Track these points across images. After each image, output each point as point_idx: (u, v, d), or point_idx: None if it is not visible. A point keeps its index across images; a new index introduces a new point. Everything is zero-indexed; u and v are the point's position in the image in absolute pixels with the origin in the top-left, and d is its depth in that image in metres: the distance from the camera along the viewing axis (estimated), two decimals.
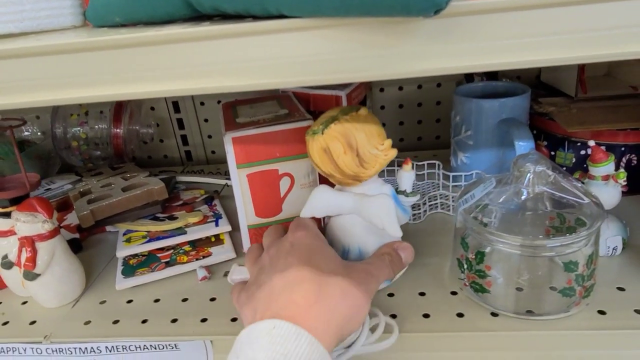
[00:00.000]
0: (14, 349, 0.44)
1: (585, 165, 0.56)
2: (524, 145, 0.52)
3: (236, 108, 0.56)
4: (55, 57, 0.30)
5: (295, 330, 0.30)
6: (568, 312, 0.39)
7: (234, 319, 0.44)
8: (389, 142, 0.40)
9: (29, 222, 0.45)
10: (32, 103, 0.32)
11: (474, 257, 0.40)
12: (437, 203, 0.58)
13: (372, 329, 0.37)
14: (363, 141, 0.39)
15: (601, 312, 0.39)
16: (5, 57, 0.30)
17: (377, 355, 0.40)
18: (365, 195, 0.41)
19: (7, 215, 0.46)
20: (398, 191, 0.44)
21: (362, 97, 0.65)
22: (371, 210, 0.40)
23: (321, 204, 0.43)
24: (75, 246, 0.58)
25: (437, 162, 0.63)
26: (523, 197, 0.38)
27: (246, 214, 0.50)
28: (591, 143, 0.45)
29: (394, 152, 0.40)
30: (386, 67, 0.29)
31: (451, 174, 0.60)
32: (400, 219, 0.42)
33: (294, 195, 0.51)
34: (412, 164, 0.44)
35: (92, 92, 0.31)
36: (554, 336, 0.39)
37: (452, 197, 0.57)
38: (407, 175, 0.44)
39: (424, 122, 0.77)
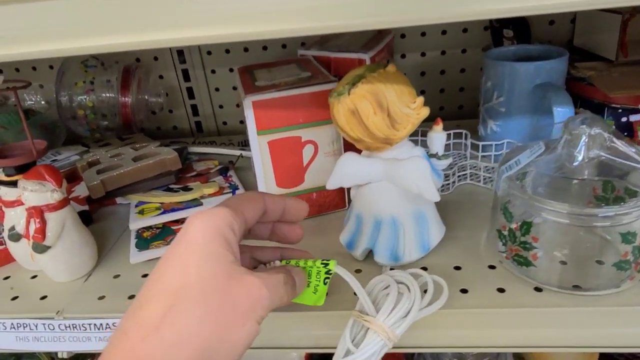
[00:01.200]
0: (25, 325, 0.42)
1: (626, 133, 0.52)
2: (562, 111, 0.48)
3: (253, 72, 0.52)
4: (58, 3, 0.27)
5: None
6: (619, 288, 0.36)
7: None
8: (420, 99, 0.37)
9: (37, 191, 0.42)
10: (35, 54, 0.28)
11: (518, 227, 0.37)
12: (466, 174, 0.55)
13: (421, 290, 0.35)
14: (394, 99, 0.36)
15: None
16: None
17: (411, 331, 0.38)
18: (396, 159, 0.38)
19: (14, 184, 0.43)
20: (429, 154, 0.41)
21: (386, 63, 0.62)
22: (405, 174, 0.37)
23: (349, 171, 0.40)
24: (85, 219, 0.55)
25: (464, 131, 0.60)
26: (576, 163, 0.35)
27: (266, 184, 0.47)
28: None
29: (426, 111, 0.37)
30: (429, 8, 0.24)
31: (481, 144, 0.56)
32: (434, 184, 0.39)
33: (317, 164, 0.48)
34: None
35: (96, 41, 0.28)
36: (603, 313, 0.36)
37: (484, 168, 0.53)
38: (438, 137, 0.41)
39: (446, 90, 0.73)
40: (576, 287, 0.37)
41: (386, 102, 0.36)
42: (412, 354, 0.64)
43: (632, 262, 0.35)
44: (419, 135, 0.59)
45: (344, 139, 0.48)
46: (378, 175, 0.39)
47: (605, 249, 0.39)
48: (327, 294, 0.32)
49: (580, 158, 0.35)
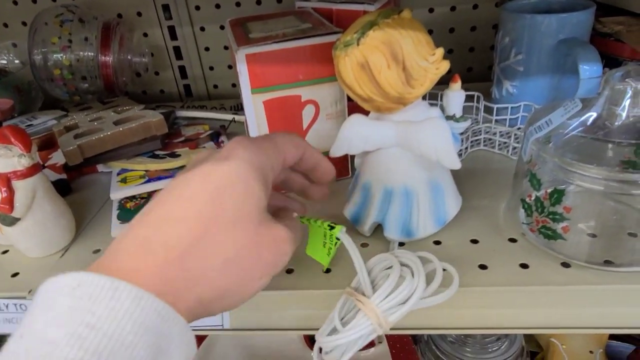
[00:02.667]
0: None
1: None
2: (589, 69, 0.44)
3: (247, 25, 0.47)
4: None
5: (110, 285, 0.20)
6: None
7: None
8: (440, 51, 0.32)
9: (2, 157, 0.37)
10: None
11: (547, 196, 0.33)
12: (479, 139, 0.50)
13: (428, 279, 0.30)
14: (410, 51, 0.31)
15: None
16: None
17: (428, 310, 0.34)
18: (410, 122, 0.33)
19: None
20: (446, 117, 0.36)
21: (400, 8, 0.56)
22: (422, 138, 0.32)
23: (357, 136, 0.35)
24: (63, 188, 0.50)
25: (476, 94, 0.55)
26: (618, 122, 0.30)
27: None
28: None
29: (446, 65, 0.32)
30: None
31: (495, 106, 0.52)
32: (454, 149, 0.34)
33: (318, 127, 0.43)
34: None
35: None
36: (638, 291, 0.32)
37: (499, 132, 0.49)
38: (456, 95, 0.36)
39: (455, 51, 0.68)
40: (608, 262, 0.33)
41: (402, 54, 0.30)
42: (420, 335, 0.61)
43: None
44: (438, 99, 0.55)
45: (348, 98, 0.43)
46: (390, 140, 0.34)
47: (639, 221, 0.35)
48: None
49: (624, 116, 0.30)
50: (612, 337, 0.61)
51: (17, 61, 0.67)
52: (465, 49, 0.67)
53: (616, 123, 0.31)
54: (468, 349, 0.53)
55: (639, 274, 0.32)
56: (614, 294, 0.32)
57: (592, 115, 0.32)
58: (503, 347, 0.52)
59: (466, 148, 0.49)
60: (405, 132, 0.33)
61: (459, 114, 0.36)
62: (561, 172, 0.32)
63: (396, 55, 0.30)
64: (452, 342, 0.54)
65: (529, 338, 0.62)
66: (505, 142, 0.49)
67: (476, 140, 0.50)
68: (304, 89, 0.41)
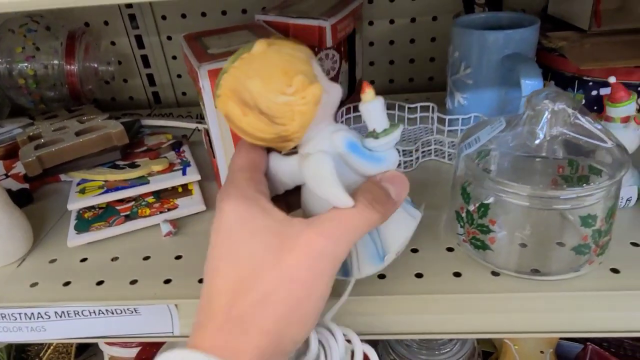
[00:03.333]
0: None
1: (595, 108, 0.50)
2: (531, 83, 0.46)
3: (202, 39, 0.48)
4: None
5: None
6: (578, 272, 0.35)
7: (201, 280, 0.38)
8: (298, 80, 0.26)
9: None
10: None
11: (476, 209, 0.35)
12: (430, 149, 0.52)
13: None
14: (260, 91, 0.26)
15: (614, 271, 0.35)
16: None
17: (365, 318, 0.36)
18: (307, 154, 0.29)
19: None
20: (367, 134, 0.30)
21: (351, 30, 0.58)
22: (306, 177, 0.29)
23: (272, 173, 0.31)
24: (25, 198, 0.51)
25: (431, 105, 0.57)
26: (537, 141, 0.33)
27: (226, 160, 0.44)
28: (612, 79, 0.39)
29: (315, 91, 0.26)
30: None
31: (447, 117, 0.54)
32: (367, 170, 0.29)
33: None
34: (373, 90, 0.28)
35: None
36: (562, 297, 0.34)
37: (448, 143, 0.51)
38: (370, 108, 0.28)
39: (416, 61, 0.70)
40: (535, 271, 0.35)
41: (252, 98, 0.27)
42: (376, 341, 0.62)
43: (591, 246, 0.33)
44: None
45: None
46: (298, 175, 0.30)
47: (567, 230, 0.37)
48: None
49: (542, 136, 0.32)
50: (563, 337, 0.63)
51: None
52: (426, 59, 0.69)
53: (536, 141, 0.33)
54: (422, 352, 0.55)
55: (564, 282, 0.35)
56: (540, 301, 0.35)
57: (515, 133, 0.34)
58: (454, 348, 0.55)
59: (417, 158, 0.51)
60: (301, 168, 0.30)
61: (380, 127, 0.29)
62: (487, 188, 0.34)
63: (246, 101, 0.27)
64: (407, 346, 0.56)
65: (483, 339, 0.65)
66: (455, 153, 0.51)
67: (427, 150, 0.52)
68: None
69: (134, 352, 0.57)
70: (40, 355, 0.63)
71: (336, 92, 0.29)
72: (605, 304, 0.34)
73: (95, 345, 0.73)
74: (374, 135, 0.29)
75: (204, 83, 0.40)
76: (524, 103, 0.43)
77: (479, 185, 0.34)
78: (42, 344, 0.63)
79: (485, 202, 0.34)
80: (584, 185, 0.33)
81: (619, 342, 0.61)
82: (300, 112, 0.27)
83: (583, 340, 0.62)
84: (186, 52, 0.46)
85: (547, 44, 0.53)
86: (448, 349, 0.55)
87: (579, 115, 0.32)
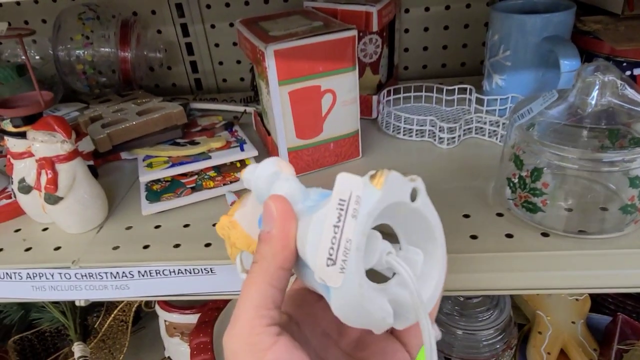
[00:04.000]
0: (41, 275, 0.43)
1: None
2: (569, 64, 0.49)
3: (260, 24, 0.51)
4: None
5: None
6: (623, 231, 0.38)
7: None
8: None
9: (47, 142, 0.42)
10: None
11: (529, 174, 0.38)
12: (471, 127, 0.55)
13: None
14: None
15: None
16: None
17: None
18: None
19: (22, 135, 0.43)
20: None
21: (392, 16, 0.61)
22: None
23: None
24: (92, 174, 0.55)
25: (468, 87, 0.60)
26: (588, 110, 0.36)
27: (286, 136, 0.47)
28: None
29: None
30: None
31: (486, 98, 0.57)
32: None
33: (335, 114, 0.48)
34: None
35: None
36: (608, 255, 0.37)
37: (490, 121, 0.54)
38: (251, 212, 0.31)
39: (449, 47, 0.73)
40: (582, 231, 0.38)
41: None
42: None
43: (637, 205, 0.36)
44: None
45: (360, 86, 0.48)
46: None
47: (610, 197, 0.40)
48: None
49: (592, 105, 0.35)
50: (592, 309, 0.66)
51: (37, 57, 0.71)
52: (459, 45, 0.72)
53: (588, 110, 0.36)
54: (462, 319, 0.58)
55: (608, 240, 0.38)
56: (588, 258, 0.38)
57: (566, 104, 0.37)
58: (492, 317, 0.58)
59: (459, 135, 0.54)
60: None
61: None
62: (540, 154, 0.37)
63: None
64: (447, 314, 0.60)
65: (517, 311, 0.68)
66: (494, 130, 0.54)
67: (468, 128, 0.55)
68: (323, 80, 0.46)
69: (191, 318, 0.61)
70: (96, 326, 0.67)
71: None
72: None
73: (147, 315, 0.77)
74: None
75: (270, 62, 0.44)
76: (566, 80, 0.46)
77: (531, 151, 0.37)
78: (97, 314, 0.67)
79: (539, 167, 0.37)
80: (631, 148, 0.36)
81: None
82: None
83: (613, 311, 0.64)
84: (246, 35, 0.49)
85: (582, 27, 0.56)
86: (486, 317, 0.58)
87: (626, 86, 0.35)
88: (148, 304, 0.69)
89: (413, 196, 0.22)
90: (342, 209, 0.21)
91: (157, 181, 0.50)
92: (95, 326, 0.67)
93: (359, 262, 0.20)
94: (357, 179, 0.21)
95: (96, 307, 0.71)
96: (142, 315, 0.77)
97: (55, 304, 0.64)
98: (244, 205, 0.31)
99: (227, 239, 0.32)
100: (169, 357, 0.66)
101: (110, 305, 0.68)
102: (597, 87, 0.35)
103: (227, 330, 0.22)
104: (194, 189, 0.49)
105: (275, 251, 0.23)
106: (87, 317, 0.66)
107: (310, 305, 0.28)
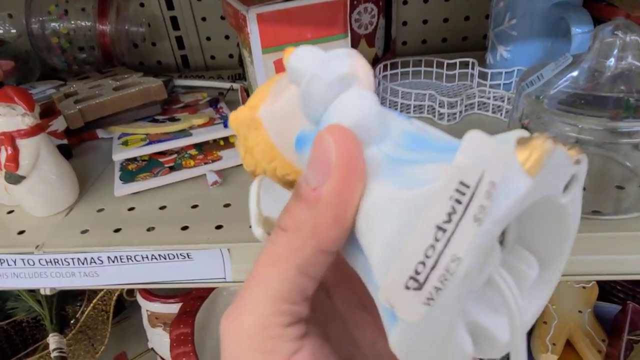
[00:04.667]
0: (2, 261, 0.39)
1: None
2: (581, 32, 0.44)
3: None
4: None
5: None
6: None
7: None
8: None
9: (6, 115, 0.38)
10: None
11: None
12: (474, 103, 0.51)
13: None
14: None
15: None
16: None
17: None
18: None
19: None
20: None
21: None
22: None
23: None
24: (65, 153, 0.51)
25: (470, 60, 0.56)
26: (606, 75, 0.32)
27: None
28: None
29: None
30: None
31: (490, 71, 0.53)
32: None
33: None
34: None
35: None
36: (623, 237, 0.34)
37: (493, 96, 0.50)
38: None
39: (451, 20, 0.68)
40: (596, 212, 0.34)
41: None
42: None
43: None
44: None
45: None
46: None
47: (627, 176, 0.36)
48: None
49: (612, 66, 0.31)
50: (600, 298, 0.63)
51: (13, 31, 0.67)
52: (461, 17, 0.68)
53: (605, 75, 0.32)
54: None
55: (626, 222, 0.34)
56: (599, 242, 0.34)
57: (581, 69, 0.33)
58: None
59: (460, 111, 0.50)
60: None
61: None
62: (550, 124, 0.33)
63: None
64: None
65: None
66: (499, 106, 0.50)
67: (470, 104, 0.51)
68: None
69: (173, 307, 0.57)
70: (77, 315, 0.63)
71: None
72: None
73: (132, 305, 0.74)
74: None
75: (252, 27, 0.40)
76: (578, 48, 0.42)
77: (541, 123, 0.33)
78: (79, 303, 0.64)
79: None
80: None
81: None
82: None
83: (622, 300, 0.61)
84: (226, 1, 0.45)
85: None
86: None
87: None
88: (130, 292, 0.65)
89: (567, 185, 0.14)
90: (459, 201, 0.12)
91: (134, 160, 0.47)
92: (77, 316, 0.64)
93: (461, 296, 0.12)
94: (499, 151, 0.12)
95: (79, 296, 0.68)
96: (127, 304, 0.74)
97: (31, 292, 0.60)
98: (275, 99, 0.20)
99: (241, 139, 0.21)
100: (152, 349, 0.63)
101: (91, 294, 0.65)
102: (617, 47, 0.31)
103: (227, 319, 0.16)
104: (172, 169, 0.45)
105: (320, 224, 0.15)
106: (65, 306, 0.63)
107: (346, 264, 0.18)
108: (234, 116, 0.21)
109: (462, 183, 0.12)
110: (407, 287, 0.13)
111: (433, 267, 0.12)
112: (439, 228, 0.12)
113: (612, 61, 0.31)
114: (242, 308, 0.15)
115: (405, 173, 0.14)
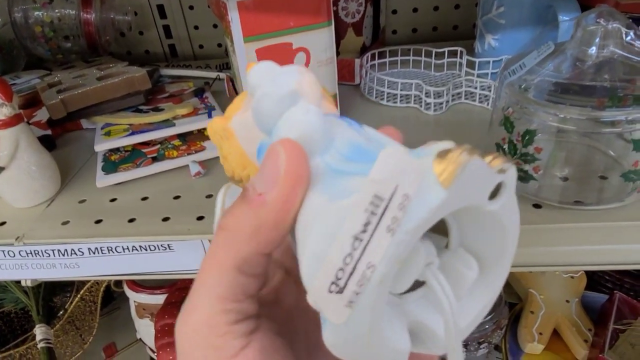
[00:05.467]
0: None
1: None
2: (569, 19, 0.44)
3: None
4: None
5: None
6: (623, 201, 0.34)
7: None
8: None
9: None
10: None
11: (520, 138, 0.34)
12: (460, 92, 0.51)
13: None
14: None
15: None
16: None
17: None
18: None
19: None
20: None
21: None
22: None
23: None
24: (48, 144, 0.51)
25: (459, 49, 0.55)
26: (588, 63, 0.31)
27: None
28: None
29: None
30: None
31: (477, 60, 0.52)
32: None
33: None
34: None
35: None
36: (606, 228, 0.33)
37: (480, 86, 0.49)
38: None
39: (441, 8, 0.68)
40: (578, 202, 0.34)
41: None
42: None
43: None
44: None
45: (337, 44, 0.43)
46: None
47: (610, 165, 0.36)
48: None
49: (593, 57, 0.31)
50: (588, 287, 0.63)
51: None
52: (451, 5, 0.67)
53: (587, 64, 0.31)
54: None
55: (607, 212, 0.34)
56: (583, 232, 0.34)
57: (563, 56, 0.32)
58: None
59: (447, 101, 0.49)
60: None
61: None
62: (533, 114, 0.32)
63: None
64: None
65: (509, 289, 0.64)
66: (486, 95, 0.50)
67: (457, 93, 0.51)
68: (295, 36, 0.41)
69: (160, 298, 0.57)
70: (66, 306, 0.63)
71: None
72: None
73: (121, 296, 0.73)
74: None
75: (233, 15, 0.39)
76: (572, 26, 0.41)
77: (523, 112, 0.33)
78: (69, 294, 0.63)
79: (531, 129, 0.33)
80: (636, 106, 0.32)
81: None
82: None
83: (610, 289, 0.61)
84: None
85: None
86: None
87: (632, 35, 0.31)
88: (118, 283, 0.65)
89: (494, 193, 0.15)
90: (374, 213, 0.13)
91: (117, 151, 0.46)
92: (66, 307, 0.64)
93: (378, 300, 0.13)
94: (412, 165, 0.13)
95: (68, 287, 0.68)
96: (116, 295, 0.73)
97: (18, 282, 0.60)
98: (245, 109, 0.20)
99: (219, 148, 0.22)
100: (140, 339, 0.63)
101: (80, 285, 0.65)
102: (598, 36, 0.31)
103: (179, 318, 0.16)
104: (155, 159, 0.44)
105: (260, 226, 0.15)
106: (54, 297, 0.63)
107: None
108: (210, 126, 0.22)
109: (376, 196, 0.13)
110: (330, 291, 0.14)
111: (351, 273, 0.13)
112: (356, 238, 0.13)
113: (593, 49, 0.31)
114: (191, 308, 0.16)
115: (337, 184, 0.15)
